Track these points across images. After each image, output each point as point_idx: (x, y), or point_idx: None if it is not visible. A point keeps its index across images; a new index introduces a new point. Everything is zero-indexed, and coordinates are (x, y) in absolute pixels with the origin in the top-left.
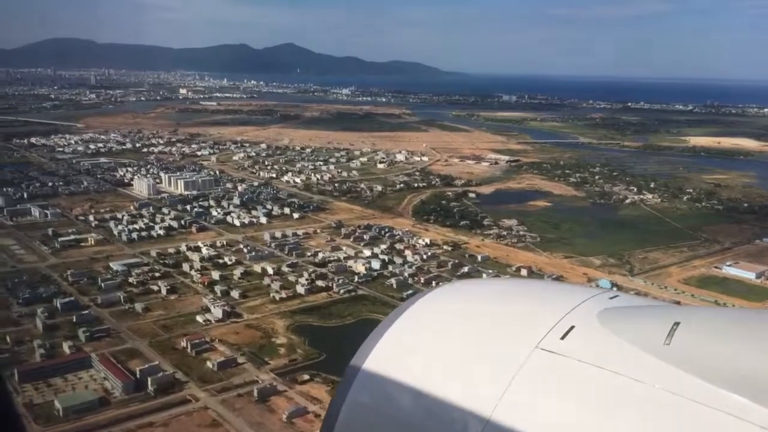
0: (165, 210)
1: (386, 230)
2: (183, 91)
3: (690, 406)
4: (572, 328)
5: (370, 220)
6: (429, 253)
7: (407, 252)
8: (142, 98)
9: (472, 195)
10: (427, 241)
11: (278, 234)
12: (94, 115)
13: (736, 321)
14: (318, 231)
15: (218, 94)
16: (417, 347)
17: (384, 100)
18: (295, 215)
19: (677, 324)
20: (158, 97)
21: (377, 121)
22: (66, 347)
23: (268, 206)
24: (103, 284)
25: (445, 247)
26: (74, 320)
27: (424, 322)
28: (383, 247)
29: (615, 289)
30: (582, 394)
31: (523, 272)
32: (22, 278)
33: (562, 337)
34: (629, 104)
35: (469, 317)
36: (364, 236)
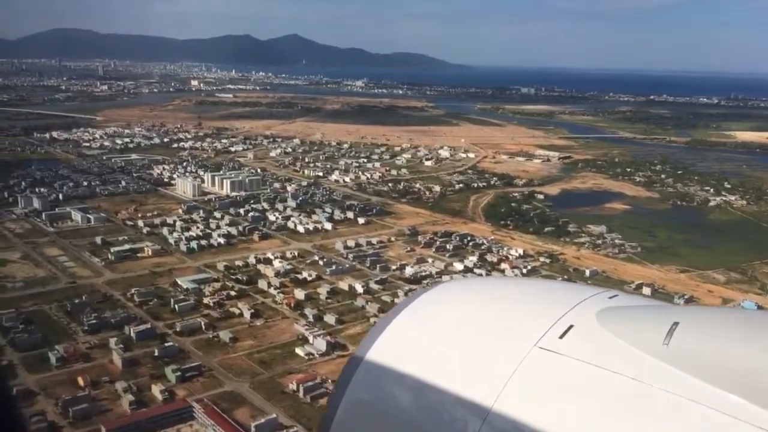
0: (217, 214)
1: (468, 238)
2: (194, 82)
3: (688, 406)
4: (571, 327)
5: (443, 225)
6: (528, 267)
7: (504, 266)
8: (155, 90)
9: (540, 196)
10: (520, 251)
11: (351, 243)
12: (111, 107)
13: (735, 321)
14: (392, 239)
15: (231, 86)
16: (415, 344)
17: (400, 92)
18: (360, 220)
19: (676, 324)
20: (171, 89)
21: (403, 114)
22: (157, 391)
23: (328, 210)
24: (176, 306)
25: (541, 259)
26: (156, 354)
27: (423, 320)
28: (473, 258)
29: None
30: (580, 393)
31: (646, 290)
32: (83, 298)
33: (561, 336)
34: (652, 97)
35: (469, 315)
36: (447, 246)
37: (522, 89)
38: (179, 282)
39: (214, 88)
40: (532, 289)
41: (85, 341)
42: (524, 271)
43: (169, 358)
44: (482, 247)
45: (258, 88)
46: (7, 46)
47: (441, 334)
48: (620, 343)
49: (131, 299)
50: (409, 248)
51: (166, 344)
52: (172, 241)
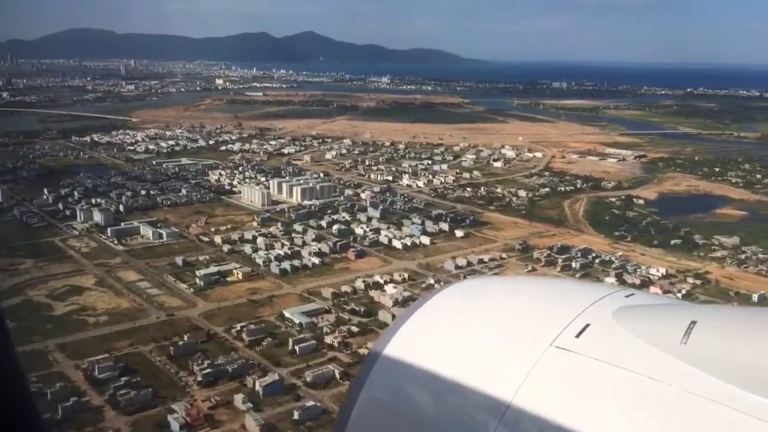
0: (297, 227)
1: (593, 255)
2: (219, 81)
3: (707, 405)
4: (587, 326)
5: (550, 238)
6: (682, 291)
7: (654, 289)
8: (182, 89)
9: (640, 201)
10: (662, 271)
11: (461, 261)
12: (143, 107)
13: (753, 320)
14: (503, 255)
15: (257, 84)
16: (431, 342)
17: (429, 88)
18: (458, 233)
19: (694, 323)
20: (198, 88)
21: (443, 111)
22: None
23: (416, 220)
24: (297, 347)
25: (689, 279)
26: (296, 417)
27: (439, 319)
28: (610, 280)
29: None
30: (597, 392)
31: None
32: (185, 338)
33: (577, 335)
34: (689, 90)
35: (485, 314)
36: (572, 264)
37: (553, 83)
38: (288, 315)
39: (240, 86)
40: (548, 288)
41: (204, 398)
42: (679, 296)
43: (311, 421)
44: (612, 266)
45: (284, 86)
46: (25, 47)
47: (457, 332)
48: (637, 342)
49: (239, 337)
50: (529, 267)
51: (307, 404)
52: (259, 261)
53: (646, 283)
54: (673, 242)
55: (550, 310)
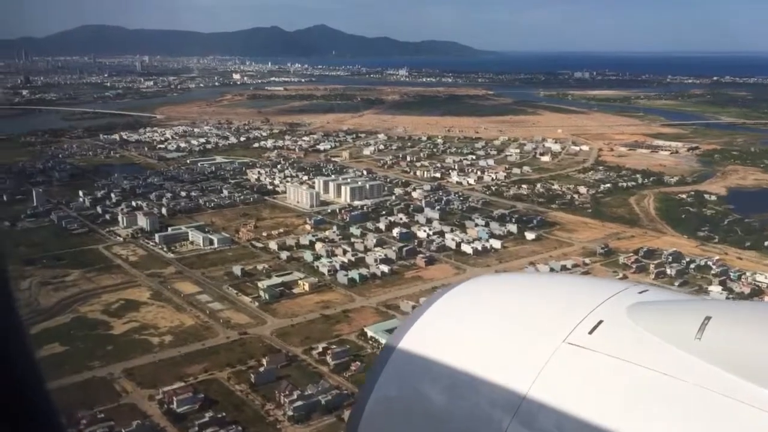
0: (354, 231)
1: (687, 260)
2: (236, 76)
3: (722, 401)
4: (600, 322)
5: (629, 239)
6: None
7: None
8: (201, 85)
9: (712, 198)
10: None
11: (543, 268)
12: (164, 104)
13: None
14: (586, 261)
15: (275, 79)
16: (445, 338)
17: (450, 80)
18: (528, 235)
19: (708, 318)
20: (216, 84)
21: (470, 103)
22: None
23: (479, 221)
24: None
25: None
26: None
27: (452, 315)
28: (714, 288)
29: None
30: (610, 388)
31: None
32: (265, 363)
33: (591, 332)
34: (715, 78)
35: (497, 310)
36: (667, 270)
37: (576, 73)
38: (371, 334)
39: (259, 81)
40: (561, 284)
41: None
42: None
43: None
44: (711, 272)
45: (303, 80)
46: (38, 45)
47: (470, 328)
48: (651, 338)
49: (322, 361)
50: (620, 274)
51: None
52: (323, 270)
53: (756, 292)
54: (767, 244)
55: (564, 307)
